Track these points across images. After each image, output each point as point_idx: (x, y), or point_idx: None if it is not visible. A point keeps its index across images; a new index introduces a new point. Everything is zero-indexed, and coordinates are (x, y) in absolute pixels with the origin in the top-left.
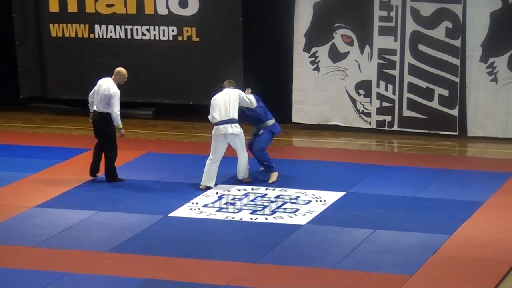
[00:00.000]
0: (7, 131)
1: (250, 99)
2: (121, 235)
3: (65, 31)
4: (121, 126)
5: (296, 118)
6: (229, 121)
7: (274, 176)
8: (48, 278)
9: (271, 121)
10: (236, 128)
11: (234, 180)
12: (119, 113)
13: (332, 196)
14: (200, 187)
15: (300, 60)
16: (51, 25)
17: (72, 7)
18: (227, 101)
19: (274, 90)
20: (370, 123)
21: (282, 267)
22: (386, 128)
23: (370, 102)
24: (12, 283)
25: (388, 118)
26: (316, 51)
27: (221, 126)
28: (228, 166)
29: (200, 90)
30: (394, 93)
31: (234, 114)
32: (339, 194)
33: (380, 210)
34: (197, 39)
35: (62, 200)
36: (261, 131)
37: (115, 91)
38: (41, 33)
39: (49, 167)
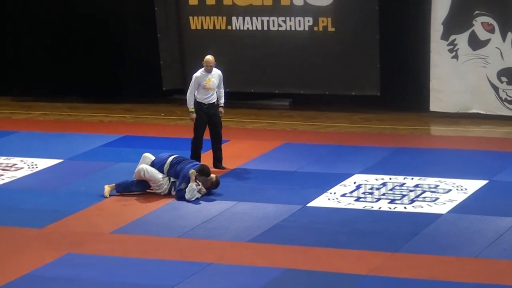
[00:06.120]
0: (152, 124)
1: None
2: (260, 225)
3: (204, 24)
4: (190, 109)
5: (434, 106)
6: None
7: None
8: (193, 269)
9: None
10: None
11: (371, 170)
12: (188, 96)
13: (473, 185)
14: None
15: (438, 48)
16: (190, 17)
17: None
18: None
19: (411, 79)
20: None
21: (423, 256)
22: None
23: None
24: (157, 273)
25: None
26: (455, 39)
27: None
28: (365, 155)
29: (336, 80)
30: None
31: None
32: (481, 183)
33: None
34: (333, 29)
35: None
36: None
37: (193, 75)
38: (182, 26)
39: None
